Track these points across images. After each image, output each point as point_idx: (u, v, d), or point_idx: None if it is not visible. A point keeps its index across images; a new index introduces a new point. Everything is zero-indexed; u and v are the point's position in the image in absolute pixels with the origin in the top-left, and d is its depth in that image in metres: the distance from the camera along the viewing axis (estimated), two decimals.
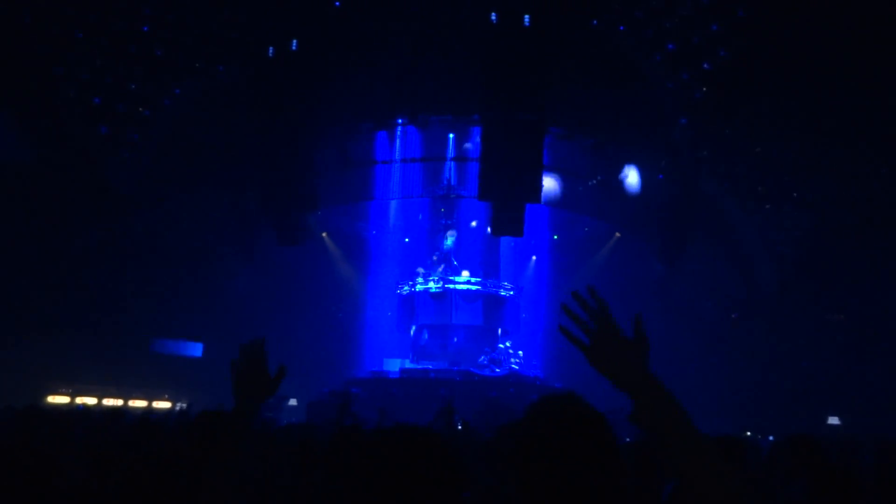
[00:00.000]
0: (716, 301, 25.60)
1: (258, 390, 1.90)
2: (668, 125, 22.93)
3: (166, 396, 24.80)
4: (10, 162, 20.46)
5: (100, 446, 3.64)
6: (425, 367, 23.42)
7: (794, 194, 23.20)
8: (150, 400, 24.21)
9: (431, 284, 25.12)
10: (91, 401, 23.27)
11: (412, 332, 25.97)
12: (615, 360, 1.51)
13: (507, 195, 20.82)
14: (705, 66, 21.93)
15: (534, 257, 29.16)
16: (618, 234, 27.31)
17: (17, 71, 20.15)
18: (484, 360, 23.40)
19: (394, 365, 24.28)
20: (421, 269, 25.85)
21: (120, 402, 23.49)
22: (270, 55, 22.09)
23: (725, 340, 24.40)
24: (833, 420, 22.22)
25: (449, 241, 26.72)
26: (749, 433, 16.48)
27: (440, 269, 25.63)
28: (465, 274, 25.09)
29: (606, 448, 1.35)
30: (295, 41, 21.82)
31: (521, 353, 24.61)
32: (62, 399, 22.83)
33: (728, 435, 3.15)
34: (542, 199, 21.67)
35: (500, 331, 25.46)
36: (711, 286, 25.39)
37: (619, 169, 24.48)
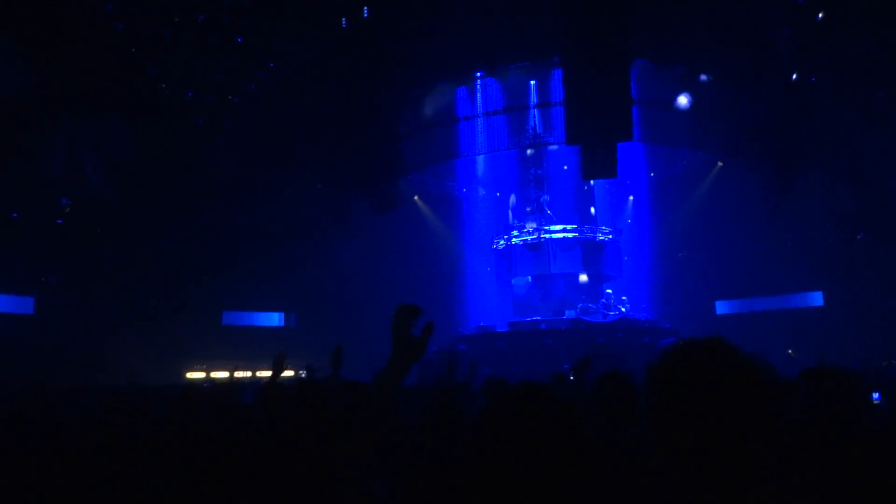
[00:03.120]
0: (836, 223, 23.68)
1: (411, 352, 1.94)
2: (768, 38, 21.04)
3: (289, 365, 26.40)
4: (128, 162, 22.07)
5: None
6: (533, 318, 23.44)
7: None
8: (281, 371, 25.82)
9: (527, 235, 24.96)
10: (223, 374, 25.20)
11: (514, 286, 26.02)
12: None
13: (597, 137, 20.03)
14: None
15: (631, 198, 28.16)
16: (720, 164, 25.76)
17: (118, 76, 21.52)
18: (582, 307, 23.09)
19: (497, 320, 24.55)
20: (528, 209, 25.79)
21: (249, 374, 25.27)
22: (344, 26, 22.24)
23: (850, 264, 22.62)
24: None
25: (544, 197, 26.31)
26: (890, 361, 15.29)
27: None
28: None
29: (756, 406, 1.23)
30: (366, 8, 21.83)
31: (624, 297, 24.06)
32: (199, 374, 24.84)
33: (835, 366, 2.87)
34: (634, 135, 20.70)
35: (599, 276, 24.99)
36: (830, 208, 23.47)
37: (714, 94, 22.85)
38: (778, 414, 1.24)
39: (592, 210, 27.01)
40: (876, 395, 5.38)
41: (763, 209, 23.39)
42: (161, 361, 21.95)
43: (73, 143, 21.91)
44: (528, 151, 26.96)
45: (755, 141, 22.39)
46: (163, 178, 22.50)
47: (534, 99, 25.01)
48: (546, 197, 26.48)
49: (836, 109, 21.52)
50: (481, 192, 29.15)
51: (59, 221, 22.84)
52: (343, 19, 22.08)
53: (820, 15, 19.80)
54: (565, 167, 26.71)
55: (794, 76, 21.04)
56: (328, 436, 2.09)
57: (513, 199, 27.03)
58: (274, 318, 28.08)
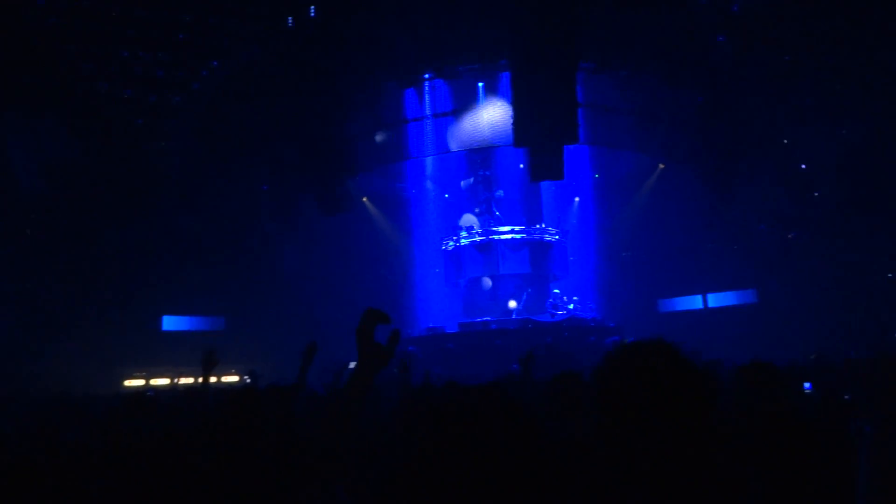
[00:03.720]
0: (771, 223, 24.76)
1: (377, 359, 1.91)
2: (707, 44, 21.84)
3: (234, 371, 25.77)
4: (62, 161, 21.14)
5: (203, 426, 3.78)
6: (483, 318, 23.63)
7: (845, 103, 21.94)
8: (220, 376, 25.18)
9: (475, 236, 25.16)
10: (164, 381, 24.41)
11: (462, 287, 26.16)
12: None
13: (544, 139, 20.37)
14: None
15: (577, 199, 28.73)
16: (661, 166, 26.56)
17: (53, 72, 20.61)
18: (549, 304, 23.59)
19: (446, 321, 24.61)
20: (477, 210, 25.95)
21: (191, 381, 24.55)
22: (290, 25, 21.91)
23: (784, 263, 23.69)
24: None
25: (499, 193, 26.57)
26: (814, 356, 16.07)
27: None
28: None
29: (699, 404, 1.28)
30: (312, 7, 21.56)
31: (575, 297, 24.53)
32: (138, 382, 23.97)
33: (759, 361, 3.03)
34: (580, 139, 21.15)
35: (549, 276, 25.41)
36: (765, 208, 24.54)
37: (656, 97, 23.60)
38: (713, 409, 1.29)
39: (542, 211, 27.45)
40: (807, 385, 5.73)
41: (702, 210, 24.25)
42: (98, 369, 21.09)
43: (1, 140, 20.87)
44: (477, 155, 27.14)
45: (694, 143, 23.22)
46: (100, 178, 21.65)
47: (482, 101, 25.23)
48: (500, 192, 26.74)
49: (769, 113, 22.52)
50: (429, 186, 29.13)
51: None
52: (289, 18, 21.74)
53: (753, 23, 20.70)
54: (522, 165, 27.07)
55: (729, 81, 21.88)
56: (280, 444, 2.06)
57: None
58: (216, 323, 27.29)
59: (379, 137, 25.02)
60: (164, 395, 10.05)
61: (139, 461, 1.90)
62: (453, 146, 25.52)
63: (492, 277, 25.11)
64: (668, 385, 1.28)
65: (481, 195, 27.16)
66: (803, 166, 23.49)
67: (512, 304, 24.23)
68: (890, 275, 22.00)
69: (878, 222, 21.85)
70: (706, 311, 26.56)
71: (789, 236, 24.48)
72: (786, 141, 23.21)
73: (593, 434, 1.37)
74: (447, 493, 1.30)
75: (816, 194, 23.49)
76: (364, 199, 28.55)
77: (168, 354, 23.88)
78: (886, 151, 21.01)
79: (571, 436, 2.89)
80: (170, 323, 26.42)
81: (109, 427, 4.14)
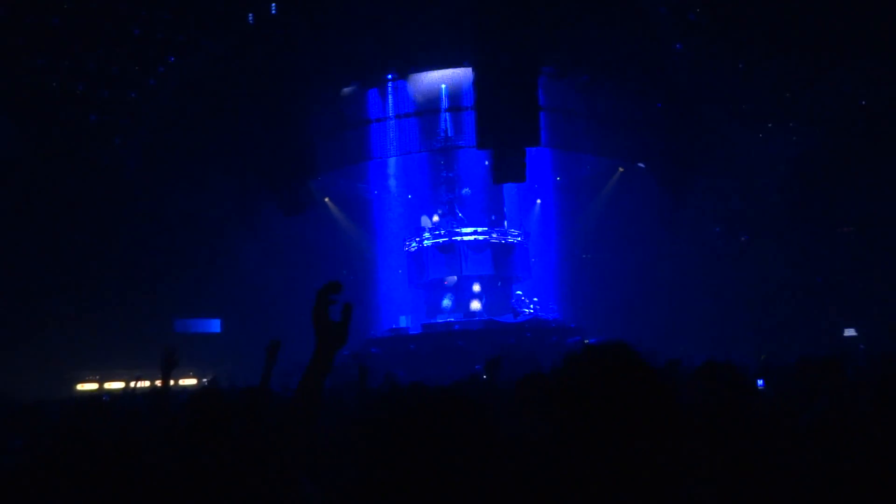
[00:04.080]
0: (725, 225, 25.47)
1: (333, 337, 1.84)
2: (664, 52, 22.37)
3: (191, 374, 25.23)
4: (10, 158, 20.35)
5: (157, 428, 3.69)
6: (446, 319, 23.64)
7: (796, 110, 22.76)
8: (177, 379, 24.63)
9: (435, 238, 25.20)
10: (118, 385, 23.73)
11: (424, 288, 26.15)
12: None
13: (506, 141, 20.55)
14: None
15: (538, 201, 29.02)
16: (621, 169, 27.05)
17: (2, 66, 19.86)
18: (511, 305, 23.78)
19: (408, 322, 24.56)
20: (439, 212, 25.93)
21: (147, 384, 23.91)
22: (251, 22, 21.59)
23: (737, 264, 24.39)
24: (850, 332, 22.36)
25: (465, 191, 26.60)
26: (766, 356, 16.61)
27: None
28: None
29: (660, 402, 1.32)
30: (273, 4, 21.28)
31: (535, 298, 24.76)
32: (91, 386, 23.26)
33: (715, 361, 3.15)
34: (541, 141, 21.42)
35: (510, 278, 25.60)
36: (719, 211, 25.24)
37: (615, 102, 24.07)
38: (672, 409, 1.33)
39: (505, 213, 27.63)
40: (760, 382, 6.00)
41: (660, 212, 24.80)
42: (50, 373, 20.39)
43: None
44: (440, 156, 27.16)
45: (652, 147, 23.75)
46: (51, 176, 20.91)
47: (445, 103, 25.29)
48: (467, 190, 26.76)
49: (723, 119, 23.20)
50: (392, 187, 29.03)
51: None
52: (250, 15, 21.41)
53: (707, 31, 21.29)
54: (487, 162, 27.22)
55: (687, 87, 22.47)
56: (243, 444, 2.02)
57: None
58: (167, 325, 26.56)
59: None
60: (120, 400, 9.78)
61: (93, 466, 1.85)
62: (416, 147, 25.52)
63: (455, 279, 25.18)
64: (626, 385, 1.32)
65: (444, 196, 27.20)
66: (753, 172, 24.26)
67: (475, 305, 24.34)
68: (819, 279, 22.81)
69: (825, 226, 22.74)
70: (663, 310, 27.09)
71: (742, 239, 25.22)
72: (736, 146, 23.93)
73: (554, 434, 1.39)
74: (413, 491, 1.31)
75: (768, 199, 24.28)
76: (326, 199, 28.30)
77: (120, 358, 23.27)
78: (836, 157, 21.86)
79: (535, 436, 2.93)
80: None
81: (61, 432, 4.02)
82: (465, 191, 26.75)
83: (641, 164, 25.82)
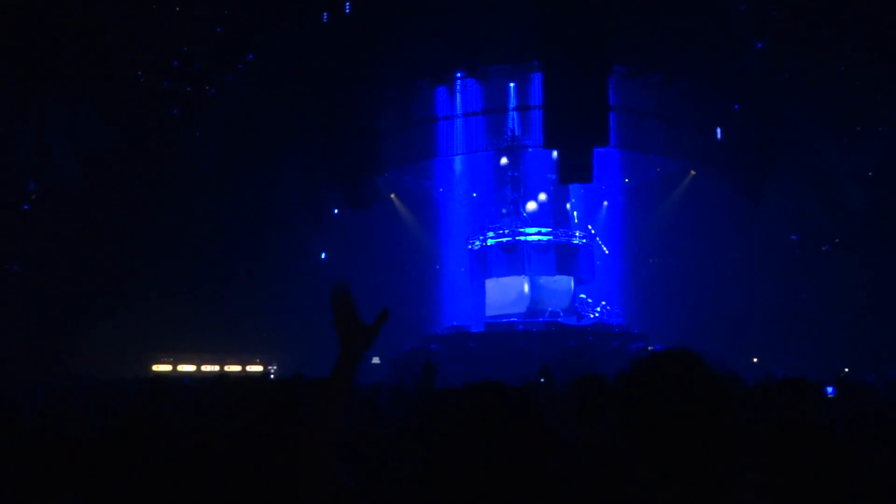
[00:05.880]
0: (803, 234, 24.25)
1: (357, 341, 1.82)
2: (743, 51, 21.46)
3: (258, 361, 26.15)
4: (101, 150, 21.61)
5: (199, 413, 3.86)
6: (509, 319, 23.55)
7: (883, 115, 21.39)
8: (244, 365, 25.60)
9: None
10: (190, 367, 24.87)
11: (486, 287, 26.11)
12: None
13: (574, 141, 20.23)
14: None
15: (605, 203, 28.45)
16: (693, 172, 26.16)
17: (93, 63, 21.06)
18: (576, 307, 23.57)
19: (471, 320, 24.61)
20: (504, 211, 25.98)
21: (217, 368, 24.99)
22: (325, 20, 22.10)
23: (817, 275, 23.17)
24: None
25: (532, 206, 26.41)
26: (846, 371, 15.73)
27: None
28: None
29: (721, 415, 1.31)
30: (348, 4, 21.72)
31: (603, 302, 24.35)
32: (165, 367, 24.48)
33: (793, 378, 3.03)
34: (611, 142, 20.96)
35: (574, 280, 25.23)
36: (798, 219, 24.04)
37: (689, 103, 23.25)
38: (739, 421, 1.31)
39: (575, 214, 27.23)
40: (830, 390, 5.77)
41: (733, 218, 23.85)
42: (127, 354, 21.57)
43: (42, 128, 21.41)
44: (506, 155, 27.03)
45: (726, 150, 22.84)
46: (135, 167, 22.08)
47: (513, 102, 25.12)
48: (543, 196, 26.51)
49: (804, 123, 22.06)
50: (457, 185, 29.12)
51: (26, 207, 22.30)
52: (325, 13, 21.93)
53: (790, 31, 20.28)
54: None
55: (765, 88, 21.49)
56: (281, 428, 2.07)
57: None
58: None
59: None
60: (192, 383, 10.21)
61: (155, 444, 1.95)
62: (483, 146, 25.48)
63: (517, 279, 25.03)
64: (691, 395, 1.31)
65: (509, 196, 27.06)
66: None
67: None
68: None
69: None
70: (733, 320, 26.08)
71: (823, 249, 23.96)
72: (818, 152, 22.72)
73: (615, 439, 1.39)
74: (460, 491, 1.32)
75: (851, 209, 22.95)
76: (392, 195, 28.67)
77: (195, 343, 24.36)
78: None
79: (592, 440, 2.89)
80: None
81: (128, 412, 4.25)
82: (542, 196, 26.45)
83: (693, 171, 24.92)
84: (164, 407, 3.83)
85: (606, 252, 26.46)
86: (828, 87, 21.60)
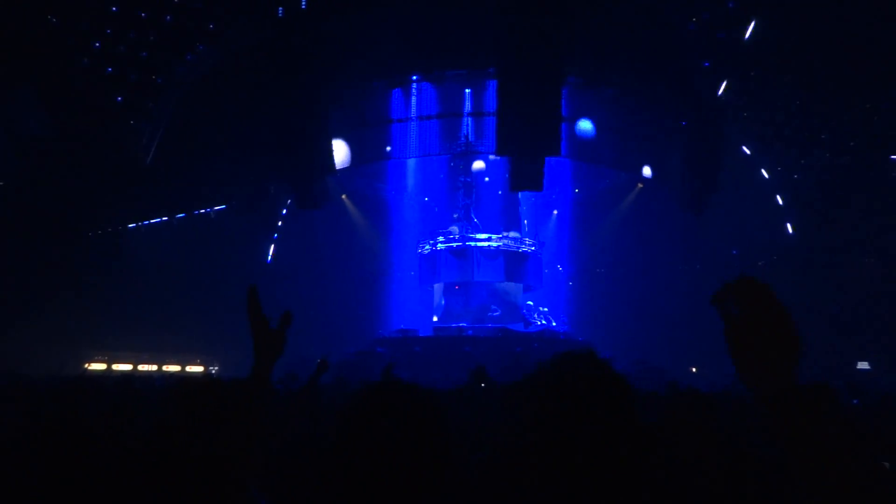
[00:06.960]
0: (742, 249, 25.15)
1: (266, 345, 1.75)
2: (691, 69, 22.17)
3: (198, 361, 25.41)
4: (35, 135, 20.62)
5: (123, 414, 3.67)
6: (458, 324, 23.58)
7: (822, 136, 22.43)
8: (183, 365, 24.84)
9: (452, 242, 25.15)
10: (126, 367, 23.96)
11: (435, 291, 26.12)
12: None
13: (526, 149, 20.46)
14: (730, 3, 21.00)
15: (555, 212, 28.90)
16: (640, 185, 26.84)
17: (32, 43, 20.10)
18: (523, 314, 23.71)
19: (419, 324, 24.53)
20: (455, 215, 25.99)
21: (154, 368, 24.16)
22: (280, 15, 21.71)
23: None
24: (863, 365, 21.97)
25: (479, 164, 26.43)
26: None
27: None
28: None
29: (619, 413, 1.30)
30: None
31: (545, 309, 24.64)
32: (100, 366, 23.53)
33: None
34: (563, 151, 21.27)
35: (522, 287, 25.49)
36: (737, 234, 24.91)
37: (641, 117, 23.88)
38: (633, 418, 1.32)
39: (525, 222, 27.52)
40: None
41: (678, 230, 24.54)
42: (60, 351, 20.61)
43: None
44: (459, 160, 27.14)
45: (673, 165, 23.52)
46: (73, 155, 21.14)
47: (468, 107, 25.27)
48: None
49: (745, 140, 22.93)
50: (409, 188, 29.07)
51: None
52: (280, 8, 21.54)
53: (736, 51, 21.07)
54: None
55: (712, 106, 22.23)
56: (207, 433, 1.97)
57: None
58: None
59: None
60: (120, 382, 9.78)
61: (68, 447, 1.82)
62: (436, 150, 25.51)
63: (465, 284, 25.11)
64: (587, 395, 1.30)
65: (461, 201, 27.17)
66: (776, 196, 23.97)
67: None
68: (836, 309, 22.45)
69: (843, 258, 22.38)
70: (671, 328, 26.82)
71: (759, 263, 24.89)
72: (763, 170, 23.66)
73: (515, 439, 1.39)
74: (365, 489, 1.29)
75: (787, 224, 23.96)
76: (343, 196, 28.39)
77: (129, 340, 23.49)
78: (860, 187, 21.53)
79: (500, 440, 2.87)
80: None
81: (49, 409, 4.01)
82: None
83: (640, 184, 25.61)
84: (83, 408, 3.63)
85: (560, 269, 26.87)
86: (767, 107, 22.53)
